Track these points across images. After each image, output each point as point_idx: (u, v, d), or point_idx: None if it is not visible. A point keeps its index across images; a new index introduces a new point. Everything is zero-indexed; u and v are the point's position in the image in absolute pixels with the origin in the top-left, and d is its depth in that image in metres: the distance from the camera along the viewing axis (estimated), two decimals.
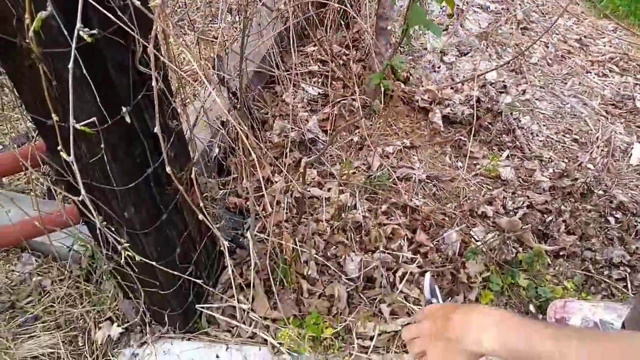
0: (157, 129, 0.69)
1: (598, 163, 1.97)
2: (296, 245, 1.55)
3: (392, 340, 1.39)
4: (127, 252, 0.85)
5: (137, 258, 0.96)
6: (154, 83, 0.65)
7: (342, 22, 2.44)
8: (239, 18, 2.22)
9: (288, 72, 2.18)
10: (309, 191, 1.80)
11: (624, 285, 1.56)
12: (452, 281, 1.55)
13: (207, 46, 1.83)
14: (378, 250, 1.60)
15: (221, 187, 1.75)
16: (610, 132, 2.08)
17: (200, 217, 0.85)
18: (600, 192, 1.84)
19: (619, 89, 2.35)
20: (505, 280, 1.56)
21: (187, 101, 1.64)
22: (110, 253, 1.11)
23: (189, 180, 0.96)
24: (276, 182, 1.84)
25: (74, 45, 0.67)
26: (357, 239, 1.65)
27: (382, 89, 2.04)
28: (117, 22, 0.73)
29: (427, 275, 0.92)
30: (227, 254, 0.87)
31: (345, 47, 2.40)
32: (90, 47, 0.72)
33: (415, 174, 1.89)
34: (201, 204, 0.95)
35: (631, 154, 2.00)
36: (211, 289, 1.42)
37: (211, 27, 2.54)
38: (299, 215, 1.70)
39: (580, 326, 1.39)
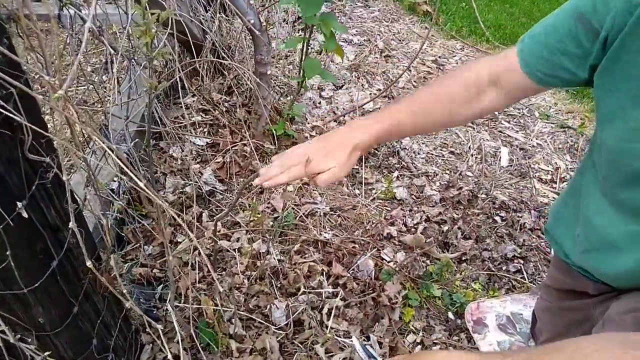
0: (72, 224, 0.63)
1: (475, 170, 2.18)
2: (216, 305, 1.49)
3: None
4: None
5: None
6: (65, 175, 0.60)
7: (218, 70, 2.45)
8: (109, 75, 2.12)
9: (172, 126, 2.11)
10: (219, 245, 1.75)
11: (521, 276, 1.73)
12: (375, 306, 1.60)
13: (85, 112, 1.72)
14: (300, 292, 1.60)
15: (123, 260, 1.63)
16: (480, 140, 2.32)
17: (127, 305, 0.78)
18: (483, 195, 2.03)
19: None
20: (422, 294, 1.65)
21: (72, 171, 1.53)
22: None
23: (103, 266, 0.89)
24: (180, 242, 1.76)
25: None
26: (278, 285, 1.63)
27: (274, 132, 2.07)
28: (4, 112, 0.66)
29: (354, 340, 0.91)
30: (162, 334, 0.81)
31: (226, 93, 2.40)
32: None
33: (319, 208, 1.93)
34: (120, 288, 0.88)
35: (500, 157, 2.25)
36: None
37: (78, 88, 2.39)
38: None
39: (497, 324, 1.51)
